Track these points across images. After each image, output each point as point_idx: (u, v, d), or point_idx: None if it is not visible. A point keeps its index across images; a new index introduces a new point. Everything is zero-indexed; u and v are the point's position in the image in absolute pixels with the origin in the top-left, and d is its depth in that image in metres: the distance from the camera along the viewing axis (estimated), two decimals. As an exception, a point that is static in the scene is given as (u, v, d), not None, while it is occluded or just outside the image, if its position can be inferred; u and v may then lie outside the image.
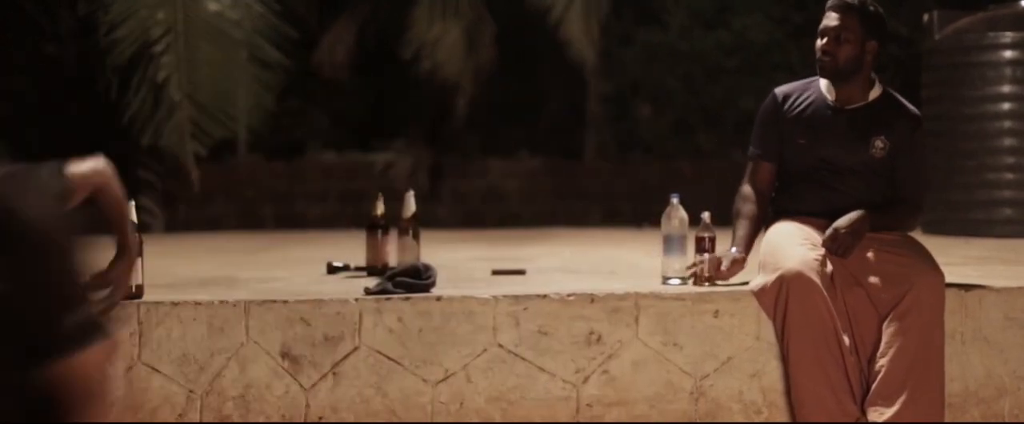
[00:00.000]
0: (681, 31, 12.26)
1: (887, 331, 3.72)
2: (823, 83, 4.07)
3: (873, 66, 4.02)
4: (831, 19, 3.95)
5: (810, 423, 3.73)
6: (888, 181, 4.01)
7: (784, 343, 3.78)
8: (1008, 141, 7.21)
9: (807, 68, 13.03)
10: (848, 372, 3.71)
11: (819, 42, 3.96)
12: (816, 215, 3.97)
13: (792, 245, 3.83)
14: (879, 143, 3.97)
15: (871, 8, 3.98)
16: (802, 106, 4.07)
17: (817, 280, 3.72)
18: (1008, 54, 7.20)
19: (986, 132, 7.26)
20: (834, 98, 4.04)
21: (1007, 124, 7.21)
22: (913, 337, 3.69)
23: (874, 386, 3.70)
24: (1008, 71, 7.20)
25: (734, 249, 4.06)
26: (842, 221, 3.82)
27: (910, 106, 4.09)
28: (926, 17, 7.64)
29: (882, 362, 3.70)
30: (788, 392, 3.82)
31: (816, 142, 4.02)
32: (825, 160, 4.01)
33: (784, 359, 3.81)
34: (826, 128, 4.03)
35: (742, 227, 4.09)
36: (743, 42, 12.10)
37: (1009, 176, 7.22)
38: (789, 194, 4.12)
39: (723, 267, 4.02)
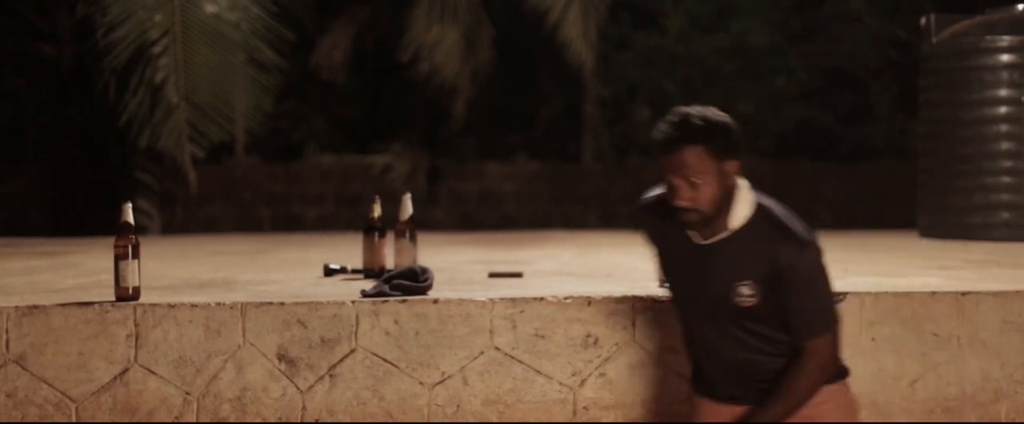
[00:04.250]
0: (679, 35, 12.28)
1: None
2: None
3: (734, 182, 3.13)
4: (675, 160, 3.05)
5: None
6: (780, 326, 3.14)
7: None
8: (1005, 145, 7.22)
9: (806, 72, 13.08)
10: None
11: (668, 191, 3.10)
12: (714, 395, 3.30)
13: None
14: (744, 290, 3.09)
15: (712, 122, 3.07)
16: (663, 234, 3.28)
17: None
18: (1005, 58, 7.20)
19: (983, 136, 7.26)
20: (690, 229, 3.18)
21: (1004, 128, 7.22)
22: None
23: None
24: (1005, 75, 7.21)
25: None
26: None
27: (792, 225, 3.10)
28: (924, 21, 7.65)
29: None
30: None
31: (679, 287, 3.30)
32: (690, 315, 3.30)
33: None
34: (684, 269, 3.24)
35: None
36: (742, 46, 12.13)
37: (1006, 180, 7.22)
38: (689, 360, 3.46)
39: None
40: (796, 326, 3.10)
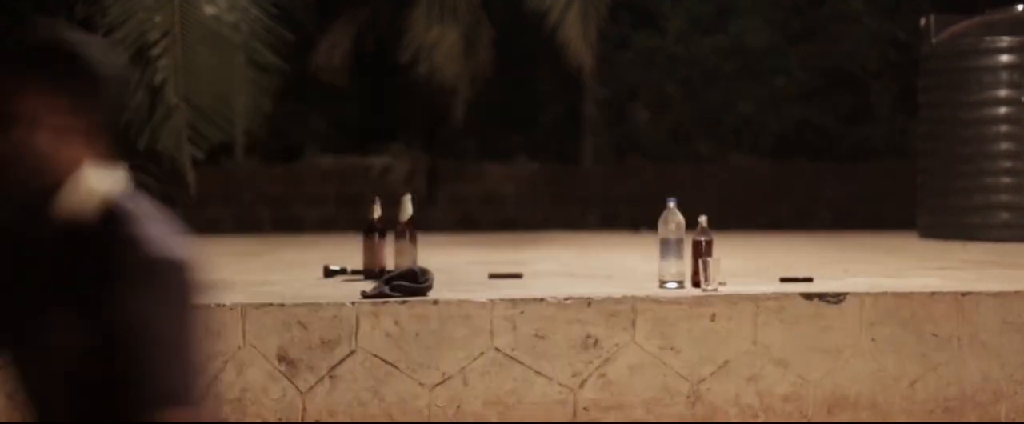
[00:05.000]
0: (679, 35, 12.29)
1: None
2: None
3: (71, 143, 1.91)
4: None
5: None
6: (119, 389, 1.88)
7: None
8: (1005, 145, 7.23)
9: (806, 72, 13.08)
10: None
11: None
12: None
13: None
14: (62, 321, 1.85)
15: (76, 48, 1.93)
16: None
17: None
18: (1004, 58, 7.21)
19: (983, 136, 7.27)
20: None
21: (1003, 128, 7.22)
22: None
23: None
24: (1004, 75, 7.22)
25: None
26: None
27: (156, 238, 1.90)
28: (923, 21, 7.66)
29: None
30: None
31: None
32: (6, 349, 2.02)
33: None
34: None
35: None
36: (741, 46, 12.12)
37: (1006, 180, 7.23)
38: None
39: None
40: (135, 391, 1.83)
